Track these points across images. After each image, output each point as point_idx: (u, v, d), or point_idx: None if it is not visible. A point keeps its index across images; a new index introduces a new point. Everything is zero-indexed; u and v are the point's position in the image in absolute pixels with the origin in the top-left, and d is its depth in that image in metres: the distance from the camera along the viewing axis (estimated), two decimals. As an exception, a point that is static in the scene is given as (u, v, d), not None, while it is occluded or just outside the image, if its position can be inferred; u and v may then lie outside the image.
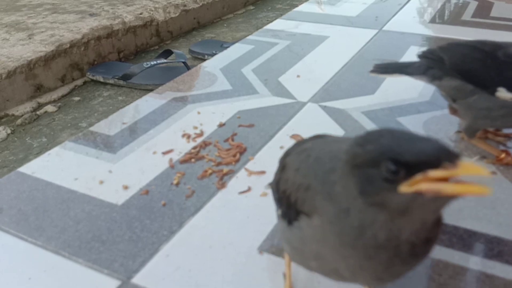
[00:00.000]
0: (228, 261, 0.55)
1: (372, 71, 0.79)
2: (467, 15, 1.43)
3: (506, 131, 0.78)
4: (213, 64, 1.11)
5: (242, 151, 0.76)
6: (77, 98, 1.12)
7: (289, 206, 0.40)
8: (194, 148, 0.77)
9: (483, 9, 1.47)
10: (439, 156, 0.29)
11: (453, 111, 0.75)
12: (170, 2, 1.53)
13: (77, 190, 0.68)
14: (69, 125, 1.00)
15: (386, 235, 0.32)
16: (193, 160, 0.74)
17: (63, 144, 0.81)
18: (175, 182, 0.69)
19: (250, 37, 1.29)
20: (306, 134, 0.50)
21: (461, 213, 0.62)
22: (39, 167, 0.74)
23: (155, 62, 1.17)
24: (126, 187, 0.68)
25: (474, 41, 0.70)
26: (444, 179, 0.29)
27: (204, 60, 1.23)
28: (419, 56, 0.75)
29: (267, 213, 0.61)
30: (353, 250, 0.34)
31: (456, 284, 0.51)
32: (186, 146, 0.78)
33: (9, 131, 0.98)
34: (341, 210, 0.34)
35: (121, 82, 1.16)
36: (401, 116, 0.85)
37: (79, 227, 0.61)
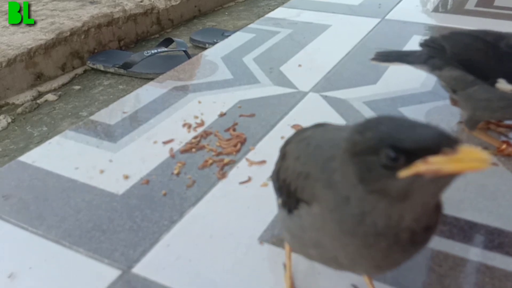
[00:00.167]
0: (228, 251, 0.55)
1: (373, 59, 0.79)
2: (470, 4, 1.41)
3: (507, 122, 0.78)
4: (214, 53, 1.11)
5: (243, 141, 0.76)
6: (77, 87, 1.12)
7: (289, 195, 0.40)
8: (195, 137, 0.77)
9: (487, -2, 1.46)
10: (438, 142, 0.29)
11: (454, 102, 0.75)
12: (171, -10, 1.51)
13: (77, 179, 0.68)
14: (69, 114, 1.00)
15: (386, 223, 0.32)
16: (193, 150, 0.74)
17: (64, 133, 0.81)
18: (175, 171, 0.69)
19: (251, 25, 1.29)
20: (307, 124, 0.49)
21: (462, 204, 0.62)
22: (39, 156, 0.74)
23: (155, 51, 1.16)
24: (126, 177, 0.68)
25: (477, 30, 0.70)
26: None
27: (205, 48, 1.22)
28: (421, 44, 0.74)
29: (268, 203, 0.61)
30: (353, 237, 0.34)
31: (456, 275, 0.51)
32: (186, 136, 0.77)
33: (9, 120, 0.97)
34: (341, 198, 0.34)
35: (122, 71, 1.15)
36: (403, 106, 0.85)
37: (80, 216, 0.61)
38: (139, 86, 1.01)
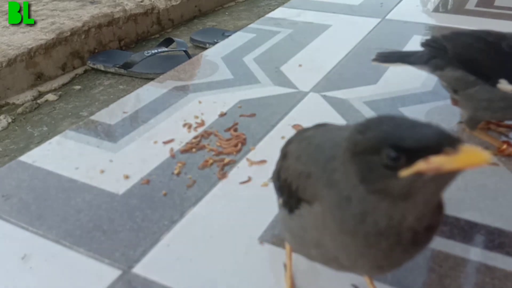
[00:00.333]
0: (228, 251, 0.55)
1: (374, 60, 0.79)
2: (471, 4, 1.41)
3: (508, 122, 0.78)
4: (215, 53, 1.11)
5: (243, 141, 0.76)
6: (77, 87, 1.12)
7: (290, 194, 0.40)
8: (195, 137, 0.77)
9: (488, -2, 1.46)
10: (440, 142, 0.29)
11: (455, 102, 0.75)
12: (171, -10, 1.51)
13: (78, 179, 0.68)
14: (69, 114, 1.00)
15: (387, 222, 0.32)
16: (194, 149, 0.74)
17: (64, 133, 0.81)
18: (176, 171, 0.69)
19: (251, 25, 1.28)
20: (307, 124, 0.49)
21: (463, 204, 0.62)
22: (40, 156, 0.74)
23: (156, 51, 1.16)
24: (127, 177, 0.68)
25: (479, 30, 0.70)
26: None
27: (206, 48, 1.22)
28: (422, 44, 0.74)
29: (268, 203, 0.61)
30: (354, 237, 0.34)
31: (456, 275, 0.51)
32: (187, 136, 0.77)
33: (9, 120, 0.97)
34: (342, 198, 0.34)
35: (122, 71, 1.15)
36: (403, 106, 0.85)
37: (80, 216, 0.61)
38: (139, 86, 1.01)
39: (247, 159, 0.71)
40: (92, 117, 0.85)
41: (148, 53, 1.15)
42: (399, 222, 0.32)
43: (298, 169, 0.40)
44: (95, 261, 0.55)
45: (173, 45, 1.23)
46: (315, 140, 0.40)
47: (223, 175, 0.68)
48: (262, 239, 0.57)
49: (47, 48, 1.12)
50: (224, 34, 1.32)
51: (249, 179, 0.67)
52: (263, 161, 0.71)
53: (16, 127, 0.96)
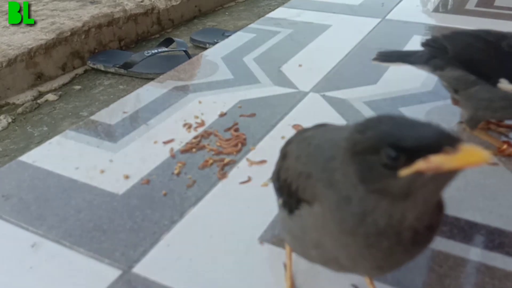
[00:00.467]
0: (228, 251, 0.55)
1: (375, 59, 0.79)
2: (471, 4, 1.41)
3: (508, 122, 0.78)
4: (215, 53, 1.11)
5: (243, 141, 0.76)
6: (78, 87, 1.12)
7: (290, 195, 0.40)
8: (195, 137, 0.77)
9: (488, -2, 1.46)
10: (439, 141, 0.29)
11: (456, 101, 0.75)
12: (171, -10, 1.51)
13: (78, 179, 0.68)
14: (70, 114, 1.00)
15: (387, 222, 0.32)
16: (194, 150, 0.74)
17: (64, 133, 0.81)
18: (176, 171, 0.69)
19: (251, 25, 1.28)
20: (307, 124, 0.49)
21: (462, 204, 0.62)
22: (40, 156, 0.74)
23: (156, 51, 1.16)
24: (127, 177, 0.68)
25: (479, 30, 0.70)
26: None
27: (206, 48, 1.22)
28: (423, 44, 0.74)
29: (268, 203, 0.61)
30: (354, 237, 0.34)
31: (456, 275, 0.51)
32: (187, 136, 0.77)
33: (10, 120, 0.97)
34: (342, 198, 0.34)
35: (122, 71, 1.15)
36: (403, 106, 0.85)
37: (80, 216, 0.61)
38: (139, 86, 1.01)
39: (247, 159, 0.71)
40: (92, 117, 0.85)
41: (148, 53, 1.15)
42: (399, 222, 0.32)
43: (298, 169, 0.40)
44: (95, 261, 0.55)
45: (173, 45, 1.23)
46: (315, 140, 0.40)
47: (223, 175, 0.68)
48: (262, 239, 0.57)
49: (47, 48, 1.12)
50: (224, 34, 1.32)
51: (249, 179, 0.67)
52: (263, 161, 0.71)
53: (16, 127, 0.96)
